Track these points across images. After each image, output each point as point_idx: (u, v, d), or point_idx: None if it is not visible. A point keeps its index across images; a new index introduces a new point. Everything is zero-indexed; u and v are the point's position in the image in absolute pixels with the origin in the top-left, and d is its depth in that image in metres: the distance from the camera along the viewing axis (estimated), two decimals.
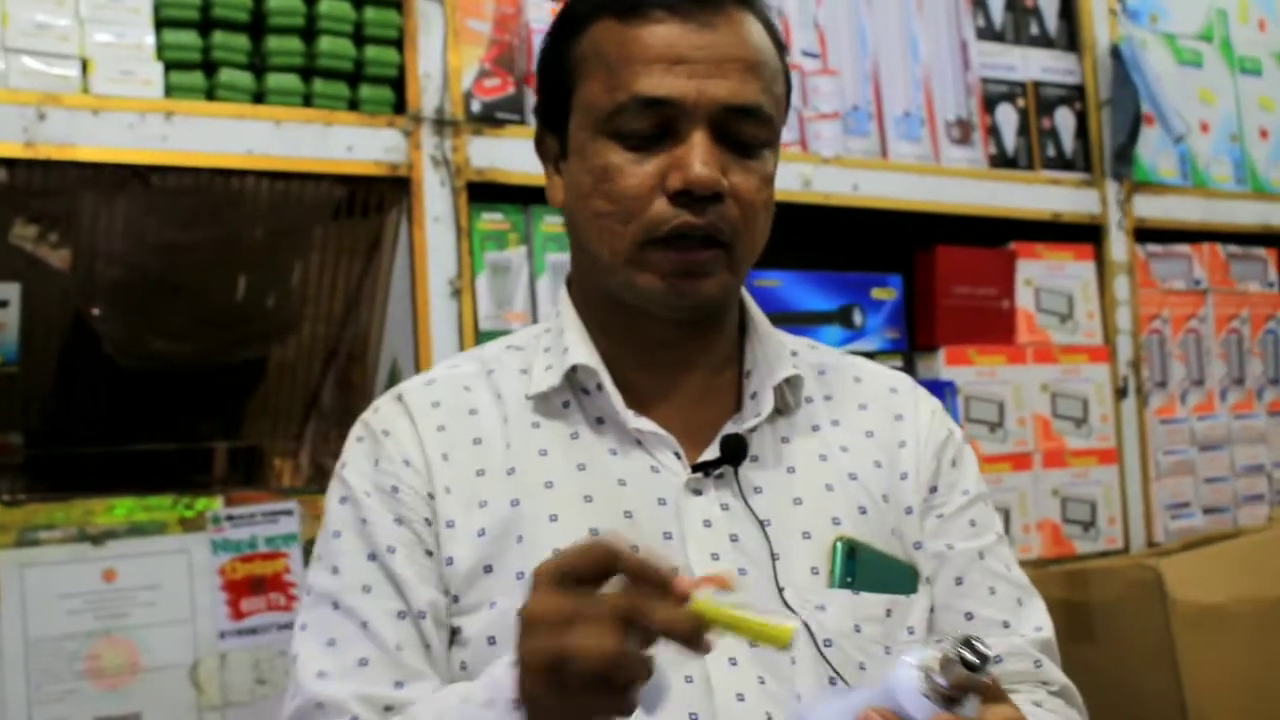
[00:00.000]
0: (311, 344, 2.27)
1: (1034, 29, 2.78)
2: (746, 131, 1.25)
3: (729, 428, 1.30)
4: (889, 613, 1.28)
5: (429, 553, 1.24)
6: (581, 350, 1.29)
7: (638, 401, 1.29)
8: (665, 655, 1.16)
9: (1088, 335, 2.75)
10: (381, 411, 1.32)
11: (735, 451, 1.27)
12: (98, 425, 2.16)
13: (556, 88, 1.30)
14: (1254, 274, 2.99)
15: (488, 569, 1.22)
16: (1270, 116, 3.08)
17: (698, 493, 1.26)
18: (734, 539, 1.25)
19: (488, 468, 1.27)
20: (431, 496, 1.25)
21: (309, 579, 1.29)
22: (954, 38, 2.66)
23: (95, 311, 2.04)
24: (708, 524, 1.25)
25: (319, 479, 2.27)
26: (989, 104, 2.69)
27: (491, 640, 1.20)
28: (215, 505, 2.11)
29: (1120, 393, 2.76)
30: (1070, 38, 2.82)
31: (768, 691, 1.20)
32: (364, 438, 1.31)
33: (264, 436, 2.32)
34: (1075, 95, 2.80)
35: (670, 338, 1.30)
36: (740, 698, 1.19)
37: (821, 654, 1.22)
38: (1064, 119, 2.77)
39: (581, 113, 1.27)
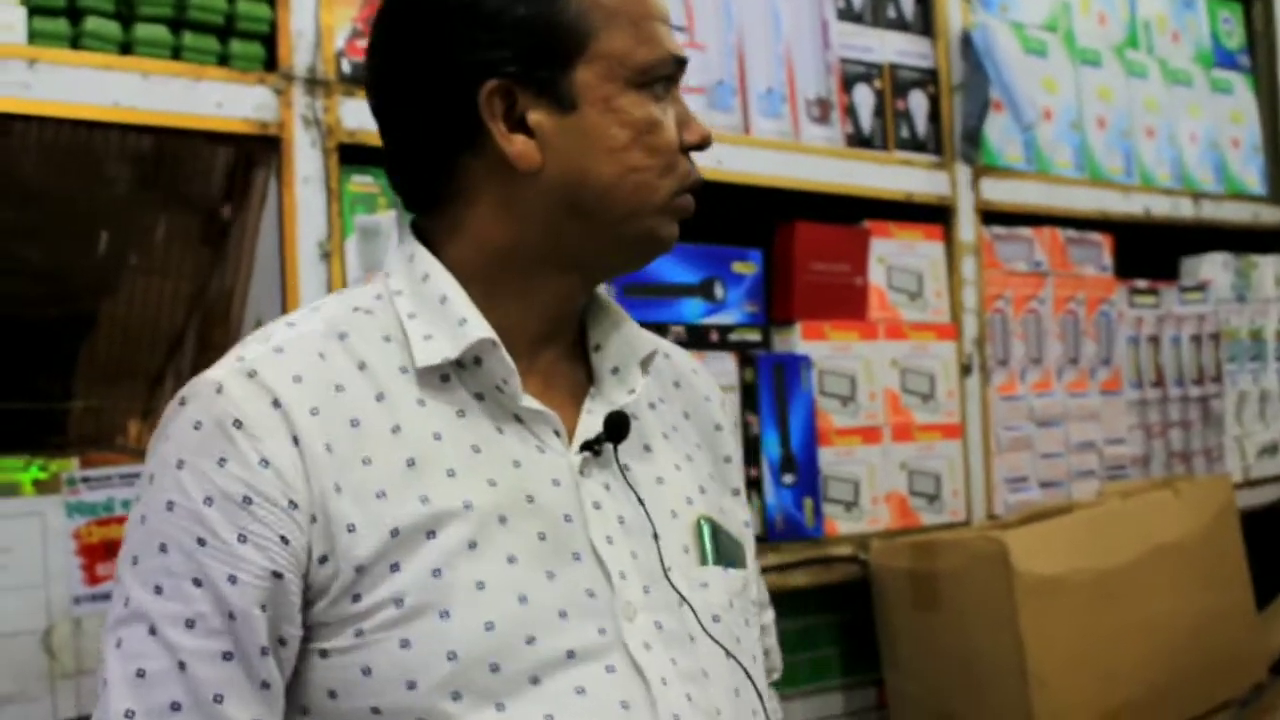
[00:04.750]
0: (173, 301, 2.22)
1: (891, 12, 2.83)
2: None
3: (595, 405, 1.27)
4: (744, 586, 1.33)
5: (277, 575, 1.11)
6: (480, 323, 1.21)
7: None
8: (586, 648, 1.16)
9: (936, 313, 2.83)
10: (229, 392, 1.14)
11: (619, 429, 1.25)
12: None
13: (548, 36, 1.20)
14: (1090, 258, 3.11)
15: (395, 568, 1.13)
16: (1108, 106, 3.19)
17: (585, 474, 1.24)
18: (621, 521, 1.24)
19: (374, 455, 1.15)
20: (294, 505, 1.12)
21: (124, 579, 1.14)
22: (815, 17, 2.70)
23: None
24: (597, 506, 1.23)
25: None
26: (847, 84, 2.74)
27: (405, 643, 1.12)
28: (70, 467, 2.05)
29: (965, 369, 2.84)
30: (926, 22, 2.88)
31: (681, 670, 1.21)
32: (204, 424, 1.13)
33: (119, 397, 2.26)
34: (929, 79, 2.86)
35: (567, 311, 1.29)
36: (664, 681, 1.20)
37: (713, 630, 1.25)
38: (918, 102, 2.84)
39: (605, 63, 1.21)
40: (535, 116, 1.21)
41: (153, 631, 1.11)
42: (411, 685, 1.12)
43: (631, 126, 1.21)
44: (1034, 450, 2.94)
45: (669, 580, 1.23)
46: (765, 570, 2.48)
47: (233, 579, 1.11)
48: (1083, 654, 2.47)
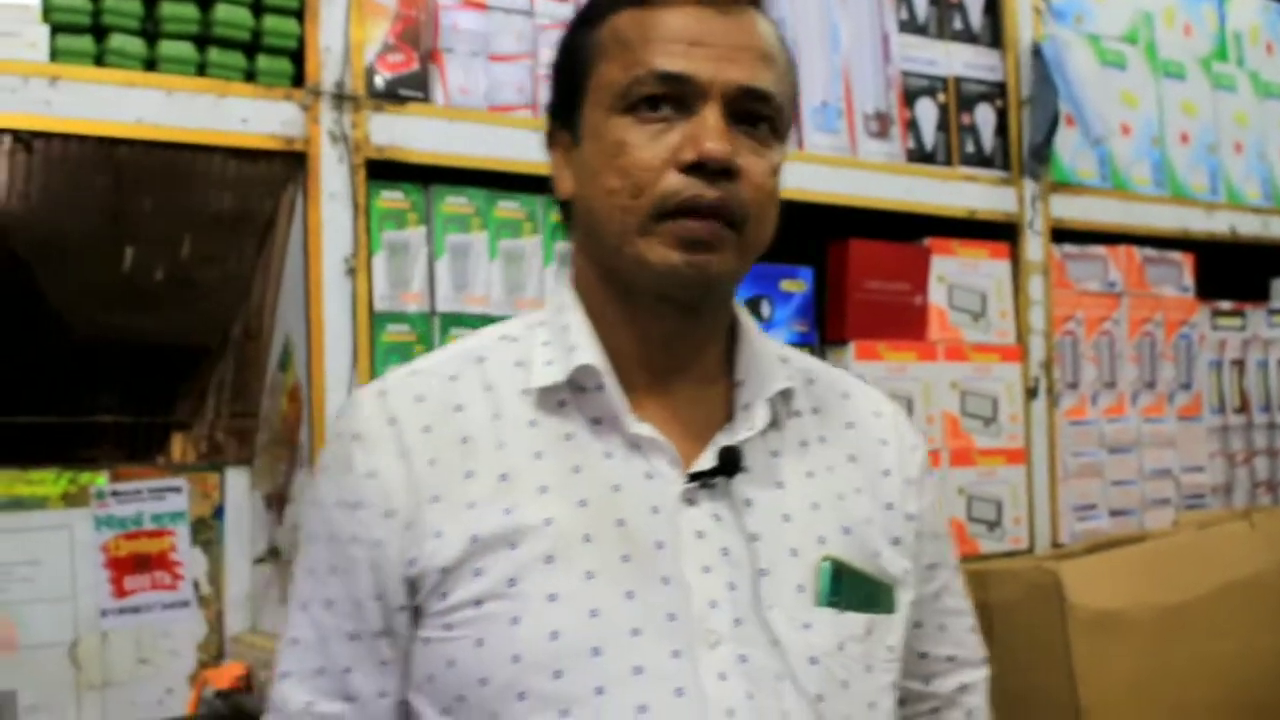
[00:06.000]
0: (208, 319, 2.22)
1: (957, 24, 2.76)
2: (759, 113, 1.25)
3: (721, 439, 1.28)
4: (870, 631, 1.30)
5: (378, 569, 1.25)
6: (588, 349, 1.27)
7: (635, 404, 1.27)
8: (656, 667, 1.18)
9: (1000, 334, 2.74)
10: (360, 410, 1.29)
11: (731, 463, 1.27)
12: None
13: (570, 77, 1.30)
14: (1169, 278, 2.99)
15: (477, 573, 1.22)
16: (1192, 121, 3.08)
17: (691, 502, 1.26)
18: (725, 552, 1.24)
19: (477, 469, 1.25)
20: (390, 514, 1.24)
21: (299, 560, 1.33)
22: (876, 30, 2.64)
23: None
24: (700, 535, 1.24)
25: (213, 455, 2.22)
26: (909, 98, 2.67)
27: (480, 642, 1.21)
28: (100, 480, 2.07)
29: (1031, 393, 2.75)
30: (994, 34, 2.80)
31: (756, 706, 1.20)
32: (340, 436, 1.30)
33: (160, 412, 2.27)
34: (997, 92, 2.78)
35: (672, 332, 1.29)
36: (730, 713, 1.19)
37: (806, 672, 1.24)
38: (984, 116, 2.76)
39: (597, 94, 1.26)
40: (573, 151, 1.31)
41: (304, 608, 1.30)
42: (484, 682, 1.20)
43: (604, 152, 1.25)
44: (1104, 477, 2.84)
45: (761, 617, 1.23)
46: None
47: (349, 571, 1.26)
48: (1143, 693, 2.37)
